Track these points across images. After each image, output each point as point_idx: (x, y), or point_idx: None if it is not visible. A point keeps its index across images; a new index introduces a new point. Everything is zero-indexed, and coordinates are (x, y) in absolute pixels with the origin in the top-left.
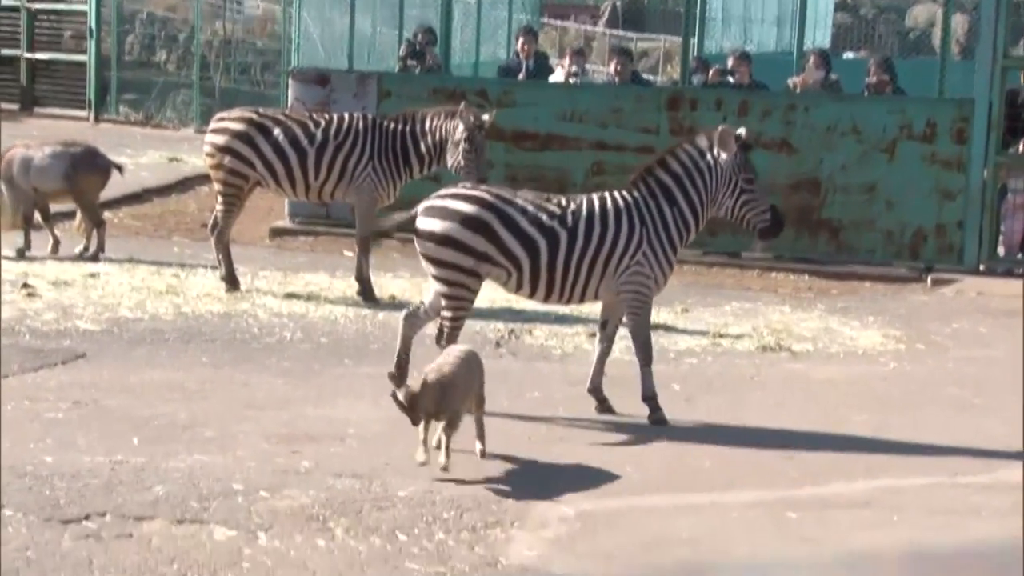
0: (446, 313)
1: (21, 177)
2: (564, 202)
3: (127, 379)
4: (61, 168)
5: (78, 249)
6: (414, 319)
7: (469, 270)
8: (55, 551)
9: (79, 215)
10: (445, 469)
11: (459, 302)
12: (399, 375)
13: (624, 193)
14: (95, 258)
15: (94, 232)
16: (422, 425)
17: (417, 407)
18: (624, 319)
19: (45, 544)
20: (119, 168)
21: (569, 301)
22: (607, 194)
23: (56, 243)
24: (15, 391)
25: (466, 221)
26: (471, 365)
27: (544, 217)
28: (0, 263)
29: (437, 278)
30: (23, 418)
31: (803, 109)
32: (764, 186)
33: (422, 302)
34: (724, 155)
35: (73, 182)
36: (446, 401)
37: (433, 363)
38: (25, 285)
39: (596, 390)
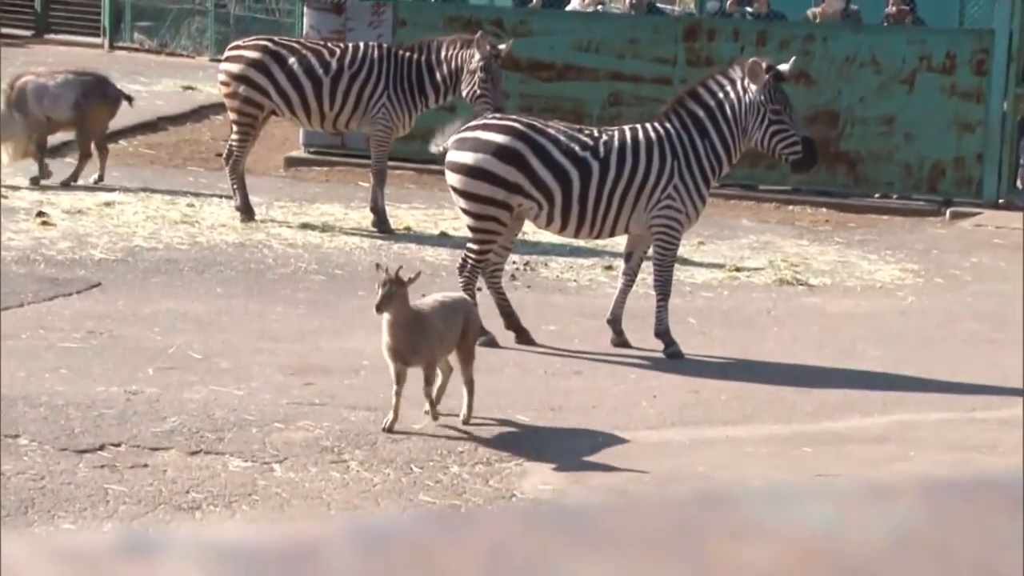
0: (472, 246)
1: (35, 106)
2: (596, 133)
3: (142, 309)
4: (72, 97)
5: (93, 178)
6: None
7: (500, 202)
8: (70, 480)
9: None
10: (435, 418)
11: (487, 235)
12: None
13: (656, 125)
14: (66, 185)
15: (106, 159)
16: (394, 379)
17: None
18: (651, 251)
19: (60, 473)
20: (128, 98)
21: (599, 235)
22: (639, 126)
23: (45, 173)
24: (30, 320)
25: (499, 152)
26: (455, 314)
27: (576, 148)
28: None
29: (466, 211)
30: (38, 347)
31: (822, 40)
32: (798, 119)
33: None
34: (754, 86)
35: (83, 111)
36: (418, 346)
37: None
38: (40, 214)
39: (615, 321)
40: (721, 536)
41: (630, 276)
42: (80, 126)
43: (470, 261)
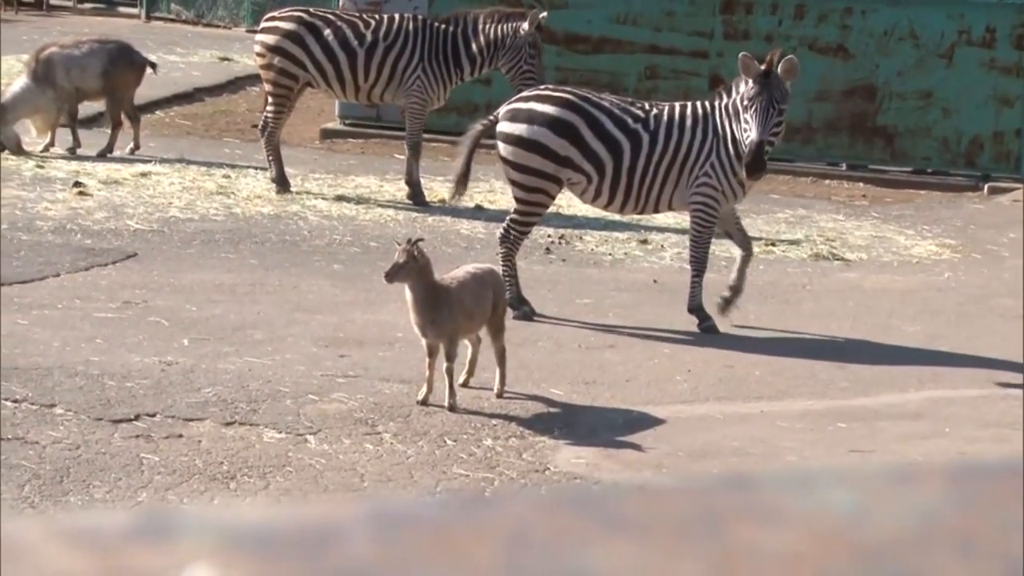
0: (516, 217)
1: (63, 77)
2: (647, 106)
3: (177, 280)
4: (99, 66)
5: (128, 148)
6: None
7: (551, 175)
8: (105, 450)
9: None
10: (452, 409)
11: (534, 207)
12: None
13: (706, 103)
14: (102, 156)
15: (139, 128)
16: (426, 352)
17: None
18: (690, 226)
19: (96, 443)
20: (153, 65)
21: (643, 210)
22: (691, 103)
23: (51, 143)
24: (66, 290)
25: (553, 124)
26: (484, 287)
27: (629, 120)
28: None
29: (515, 183)
30: (74, 317)
31: (860, 13)
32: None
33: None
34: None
35: (110, 79)
36: (440, 322)
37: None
38: (76, 184)
39: (734, 288)
40: (743, 521)
41: (745, 244)
42: (109, 95)
43: (513, 232)
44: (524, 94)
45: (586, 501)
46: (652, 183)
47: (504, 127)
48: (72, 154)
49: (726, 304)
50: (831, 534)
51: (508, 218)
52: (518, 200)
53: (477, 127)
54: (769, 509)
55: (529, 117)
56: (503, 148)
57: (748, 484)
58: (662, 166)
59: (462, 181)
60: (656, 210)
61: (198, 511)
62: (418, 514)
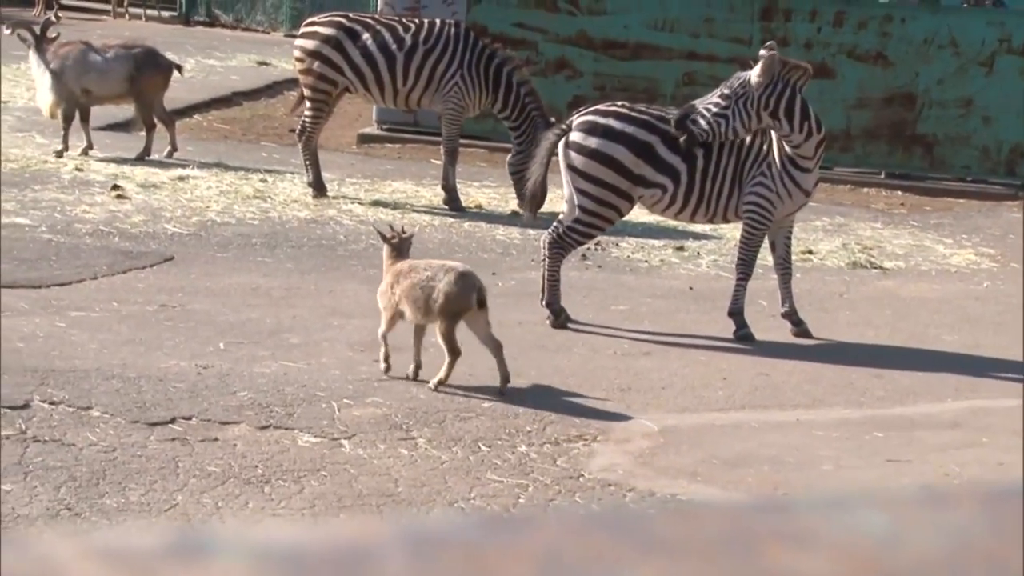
0: (577, 227)
1: (72, 77)
2: None
3: (214, 283)
4: (124, 71)
5: (166, 151)
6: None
7: (624, 192)
8: (141, 453)
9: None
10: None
11: (600, 221)
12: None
13: None
14: (140, 159)
15: (175, 131)
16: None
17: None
18: (742, 227)
19: (132, 446)
20: (179, 68)
21: (714, 217)
22: None
23: (89, 145)
24: (104, 292)
25: (630, 143)
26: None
27: None
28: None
29: (585, 193)
30: (111, 320)
31: (900, 21)
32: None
33: (559, 223)
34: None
35: (136, 84)
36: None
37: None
38: (115, 187)
39: (790, 313)
40: (777, 543)
41: (782, 264)
42: (137, 99)
43: (569, 239)
44: (600, 107)
45: (619, 522)
46: (721, 187)
47: (578, 138)
48: (58, 156)
49: (801, 330)
50: (864, 558)
51: (565, 224)
52: (584, 210)
53: (549, 137)
54: (803, 531)
55: (605, 132)
56: (575, 158)
57: (782, 505)
58: (728, 171)
59: (539, 198)
60: (725, 218)
61: (230, 529)
62: (450, 533)
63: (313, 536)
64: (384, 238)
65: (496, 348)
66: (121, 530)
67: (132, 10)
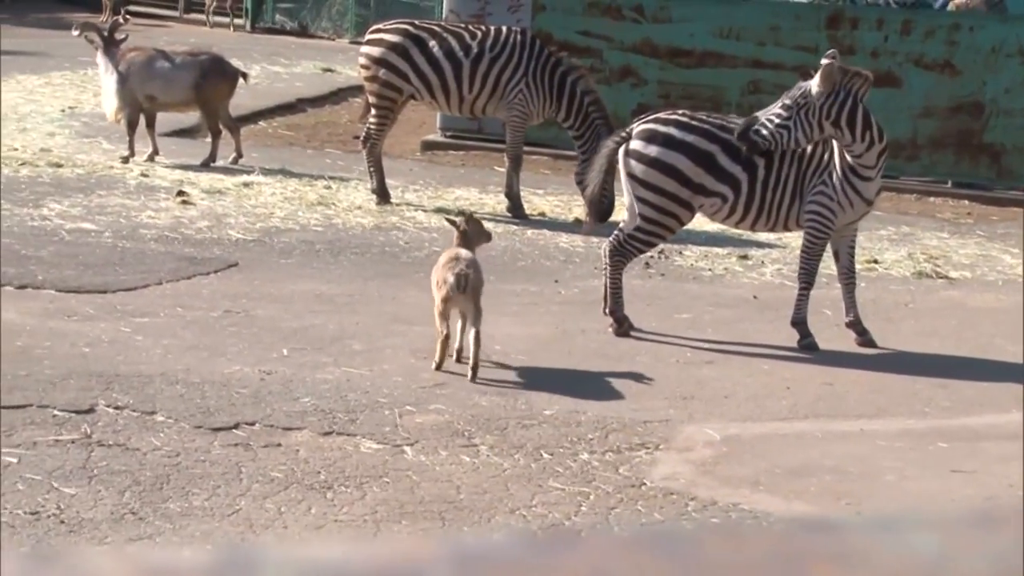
0: (639, 235)
1: (136, 83)
2: None
3: (277, 289)
4: (191, 78)
5: (231, 157)
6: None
7: (684, 201)
8: (205, 458)
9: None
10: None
11: (662, 229)
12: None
13: None
14: (205, 165)
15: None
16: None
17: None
18: (803, 236)
19: (195, 451)
20: (244, 75)
21: (775, 225)
22: None
23: (155, 151)
24: (168, 298)
25: (691, 152)
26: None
27: None
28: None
29: (645, 201)
30: (175, 325)
31: (967, 29)
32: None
33: (620, 231)
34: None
35: (202, 91)
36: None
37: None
38: (180, 193)
39: (855, 323)
40: (825, 564)
41: (845, 273)
42: (203, 106)
43: (631, 247)
44: (660, 115)
45: (667, 541)
46: (782, 195)
47: (638, 146)
48: (124, 162)
49: (866, 339)
50: None
51: (626, 232)
52: (644, 218)
53: (608, 145)
54: (851, 552)
55: (666, 141)
56: (635, 166)
57: (832, 525)
58: (789, 180)
59: (603, 205)
60: (786, 225)
61: (278, 549)
62: (496, 552)
63: (361, 553)
64: (453, 224)
65: (474, 338)
66: (171, 548)
67: (213, 17)
